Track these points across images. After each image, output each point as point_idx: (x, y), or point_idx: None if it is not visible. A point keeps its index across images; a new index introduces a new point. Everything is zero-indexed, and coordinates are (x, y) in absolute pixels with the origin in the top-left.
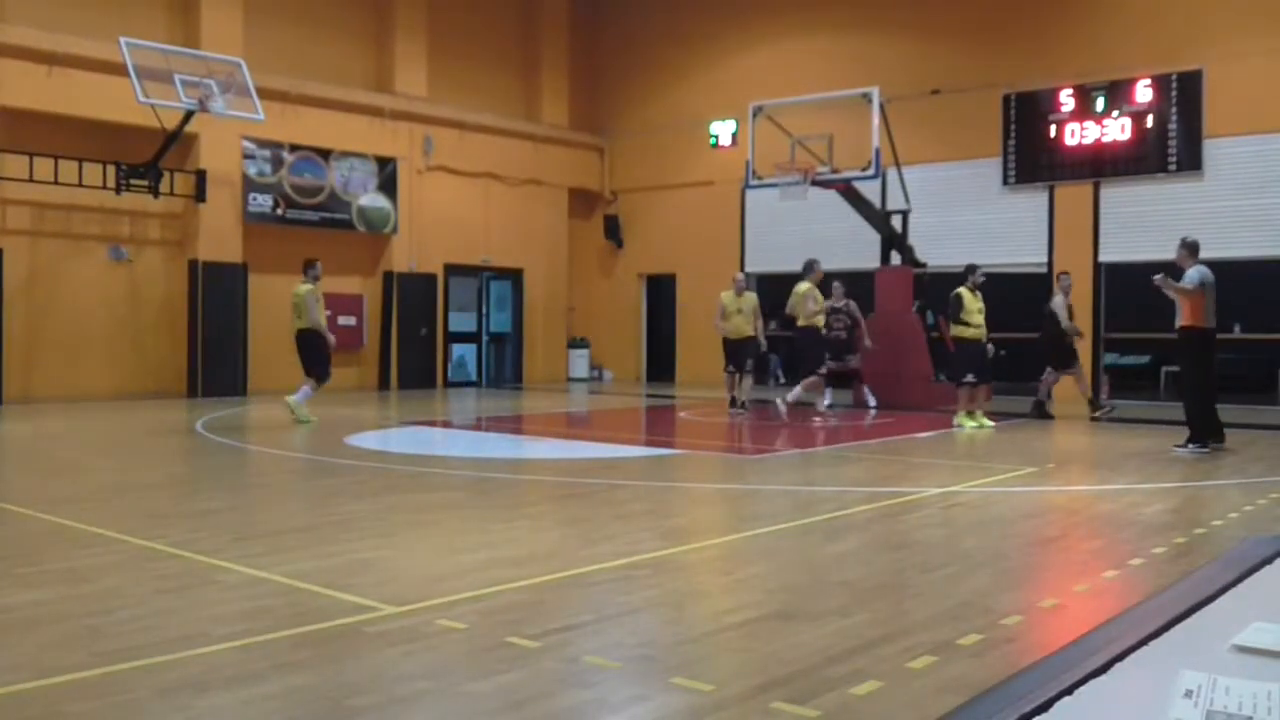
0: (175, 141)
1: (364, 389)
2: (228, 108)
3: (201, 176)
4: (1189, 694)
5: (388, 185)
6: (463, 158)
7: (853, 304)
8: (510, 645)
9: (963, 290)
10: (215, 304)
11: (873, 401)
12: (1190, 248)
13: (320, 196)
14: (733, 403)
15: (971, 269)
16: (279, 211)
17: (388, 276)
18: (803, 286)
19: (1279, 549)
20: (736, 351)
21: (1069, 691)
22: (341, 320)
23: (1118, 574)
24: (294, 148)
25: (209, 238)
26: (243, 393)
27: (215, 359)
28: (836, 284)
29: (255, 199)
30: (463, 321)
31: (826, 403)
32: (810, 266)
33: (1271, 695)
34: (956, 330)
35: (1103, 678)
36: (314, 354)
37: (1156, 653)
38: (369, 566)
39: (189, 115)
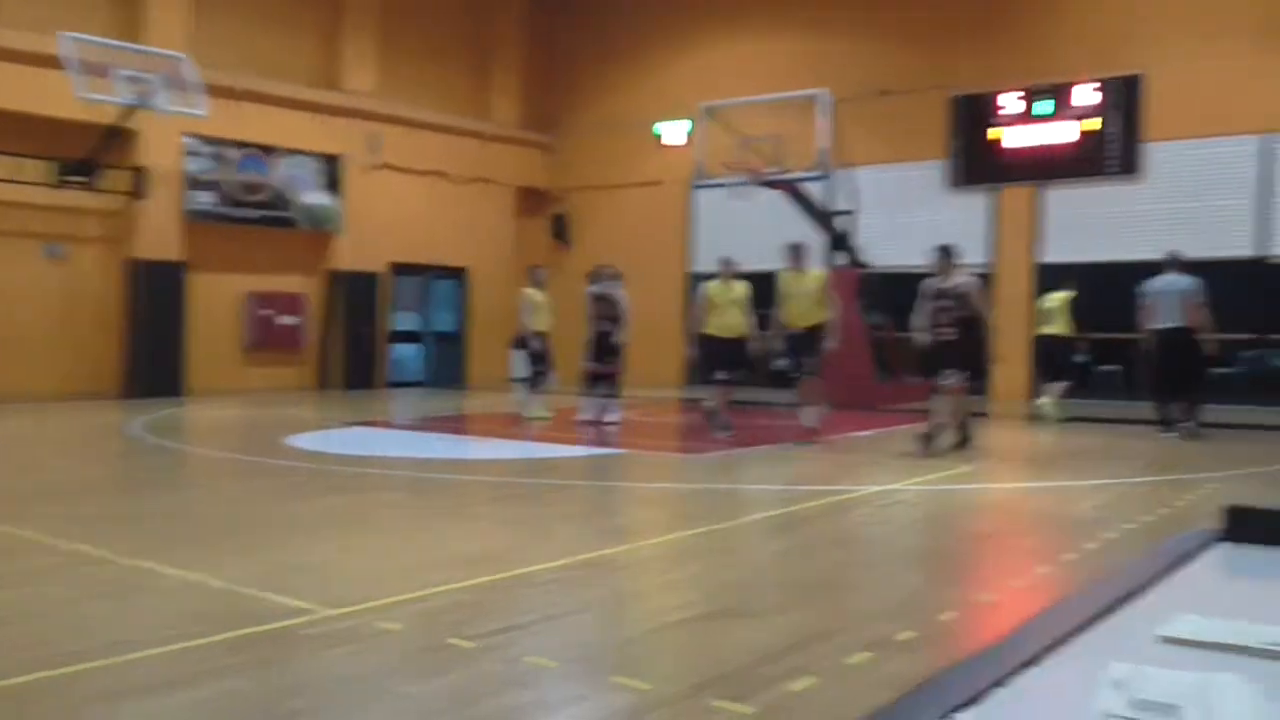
0: (115, 137)
1: (305, 389)
2: (170, 104)
3: (141, 173)
4: (1116, 684)
5: (333, 183)
6: (410, 156)
7: (621, 292)
8: (450, 646)
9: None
10: (154, 303)
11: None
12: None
13: (264, 194)
14: (723, 421)
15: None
16: (221, 209)
17: (331, 275)
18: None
19: (1204, 543)
20: (729, 355)
21: (1001, 683)
22: (283, 319)
23: (1051, 569)
24: (238, 145)
25: (148, 236)
26: (181, 394)
27: (153, 359)
28: (607, 268)
29: (196, 196)
30: (406, 321)
31: (612, 416)
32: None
33: (1195, 685)
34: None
35: (1034, 669)
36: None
37: (1086, 645)
38: (307, 568)
39: (130, 111)
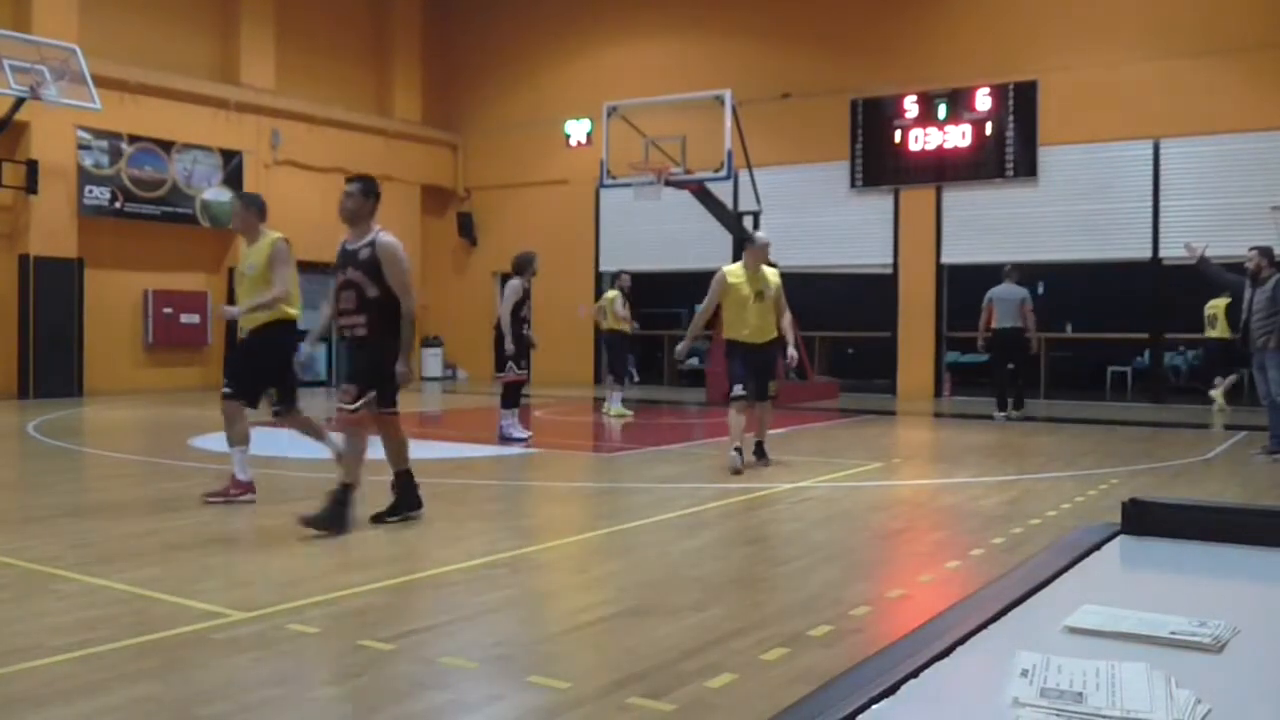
0: (4, 129)
1: (209, 389)
2: (62, 95)
3: (33, 167)
4: (1025, 673)
5: (233, 179)
6: (312, 152)
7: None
8: (364, 648)
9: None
10: (49, 301)
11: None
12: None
13: (161, 190)
14: (759, 450)
15: None
16: (117, 205)
17: (233, 273)
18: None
19: (1106, 536)
20: (759, 364)
21: (915, 675)
22: (184, 318)
23: (959, 564)
24: (133, 139)
25: (42, 231)
26: (78, 393)
27: (49, 358)
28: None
29: (91, 191)
30: (312, 319)
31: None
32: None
33: (1099, 672)
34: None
35: (945, 660)
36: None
37: (995, 636)
38: (216, 571)
39: (19, 102)
